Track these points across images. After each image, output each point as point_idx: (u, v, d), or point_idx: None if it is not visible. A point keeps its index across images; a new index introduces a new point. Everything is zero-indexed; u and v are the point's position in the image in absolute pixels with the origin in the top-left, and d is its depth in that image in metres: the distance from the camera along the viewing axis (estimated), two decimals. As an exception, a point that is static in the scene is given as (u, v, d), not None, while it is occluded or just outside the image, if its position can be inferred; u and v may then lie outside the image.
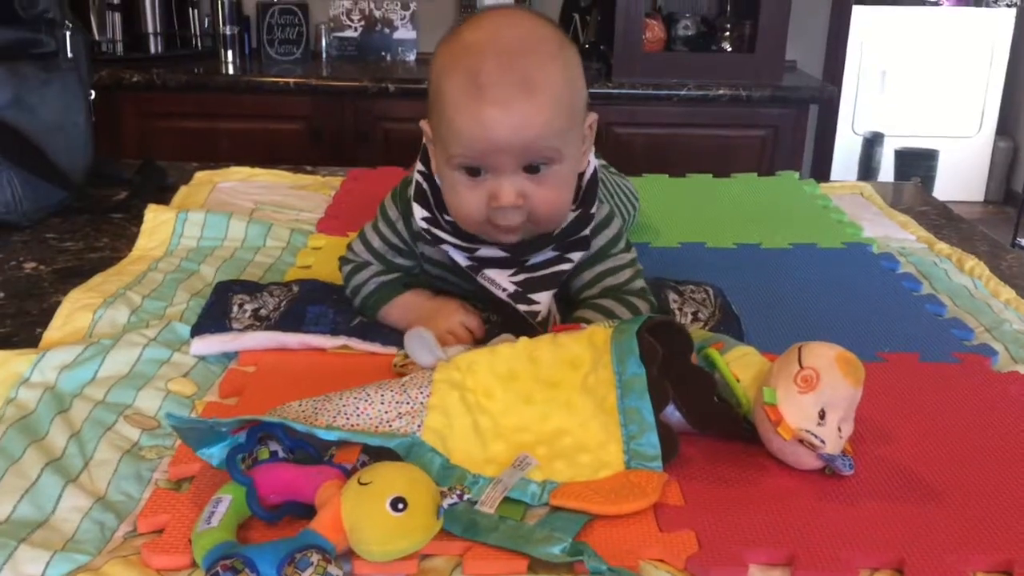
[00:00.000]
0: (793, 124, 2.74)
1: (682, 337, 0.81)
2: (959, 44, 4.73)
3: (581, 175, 0.98)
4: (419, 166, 1.01)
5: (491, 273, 0.98)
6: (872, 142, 4.75)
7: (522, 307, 0.97)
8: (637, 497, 0.73)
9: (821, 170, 3.66)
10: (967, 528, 0.72)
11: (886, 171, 4.73)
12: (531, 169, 0.90)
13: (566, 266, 0.99)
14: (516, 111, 0.86)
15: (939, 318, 1.11)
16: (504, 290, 0.97)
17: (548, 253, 0.98)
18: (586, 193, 0.99)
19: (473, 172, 0.91)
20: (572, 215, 0.98)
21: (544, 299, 0.97)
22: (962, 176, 4.85)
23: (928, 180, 4.60)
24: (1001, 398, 0.92)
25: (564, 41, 0.93)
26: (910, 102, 4.80)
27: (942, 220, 1.54)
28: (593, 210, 1.00)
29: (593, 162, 1.00)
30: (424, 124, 0.97)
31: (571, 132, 0.91)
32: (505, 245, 0.97)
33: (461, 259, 0.99)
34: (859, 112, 4.82)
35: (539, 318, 0.97)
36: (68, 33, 1.38)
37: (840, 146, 4.85)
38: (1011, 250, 1.36)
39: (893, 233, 1.43)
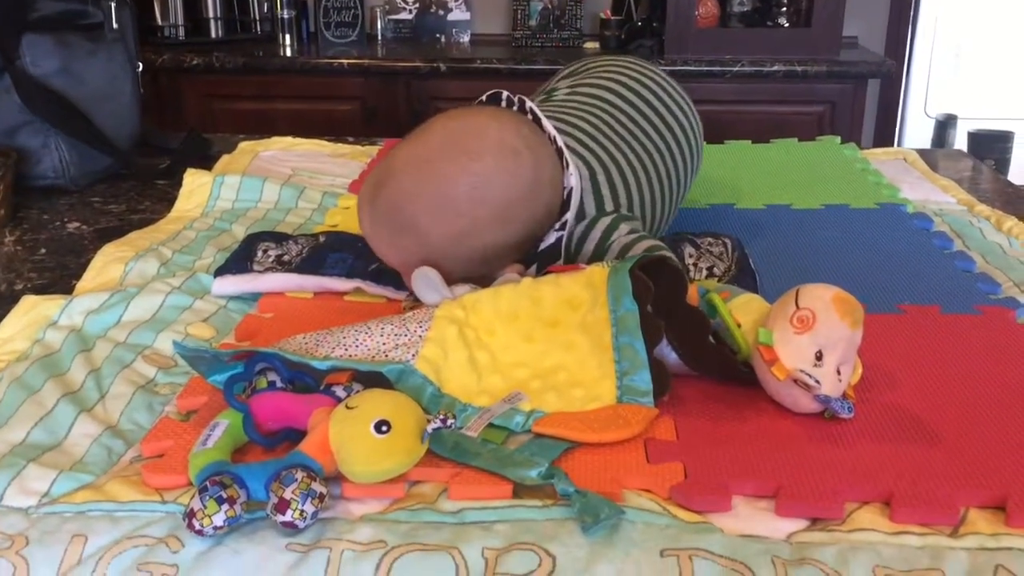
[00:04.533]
0: (851, 100, 2.70)
1: (676, 275, 0.81)
2: (1039, 20, 4.57)
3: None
4: None
5: None
6: (945, 124, 4.62)
7: None
8: (620, 427, 0.73)
9: (884, 146, 3.57)
10: (963, 466, 0.71)
11: (959, 154, 4.59)
12: None
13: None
14: (385, 246, 0.93)
15: (967, 274, 1.09)
16: None
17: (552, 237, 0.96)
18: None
19: None
20: (555, 235, 0.95)
21: None
22: (1043, 160, 4.69)
23: (1003, 163, 4.45)
24: (1020, 347, 0.90)
25: (483, 153, 0.89)
26: (986, 82, 4.66)
27: (987, 184, 1.50)
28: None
29: (573, 184, 0.96)
30: None
31: (465, 255, 0.91)
32: None
33: None
34: (932, 93, 4.70)
35: None
36: (113, 5, 1.43)
37: (912, 128, 4.73)
38: (1056, 212, 1.32)
39: (933, 196, 1.39)
